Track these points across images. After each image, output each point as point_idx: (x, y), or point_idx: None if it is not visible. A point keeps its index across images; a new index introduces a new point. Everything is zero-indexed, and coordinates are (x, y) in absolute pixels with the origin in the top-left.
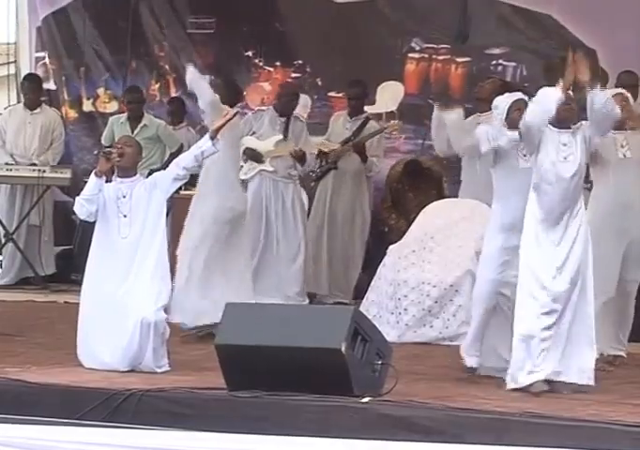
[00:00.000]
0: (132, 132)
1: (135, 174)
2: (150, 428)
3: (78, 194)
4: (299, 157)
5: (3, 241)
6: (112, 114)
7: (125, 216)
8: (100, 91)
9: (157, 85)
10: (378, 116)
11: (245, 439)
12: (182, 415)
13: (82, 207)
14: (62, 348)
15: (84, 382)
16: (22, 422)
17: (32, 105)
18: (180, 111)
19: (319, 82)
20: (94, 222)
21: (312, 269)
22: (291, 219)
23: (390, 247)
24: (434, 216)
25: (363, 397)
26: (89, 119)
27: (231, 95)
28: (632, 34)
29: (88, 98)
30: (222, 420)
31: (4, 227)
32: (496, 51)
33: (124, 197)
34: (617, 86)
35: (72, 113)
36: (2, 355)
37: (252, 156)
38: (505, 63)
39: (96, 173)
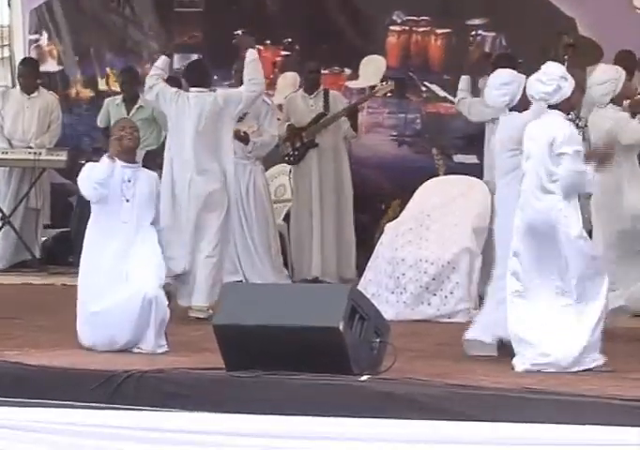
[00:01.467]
0: (128, 113)
1: (136, 161)
2: (150, 409)
3: (76, 176)
4: (240, 138)
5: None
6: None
7: (128, 200)
8: (108, 70)
9: (147, 65)
10: (362, 91)
11: (244, 419)
12: (181, 396)
13: (94, 190)
14: (60, 330)
15: (84, 363)
16: (23, 405)
17: (29, 89)
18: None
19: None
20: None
21: (307, 253)
22: (247, 200)
23: (387, 224)
24: (430, 193)
25: (362, 376)
26: (104, 98)
27: (199, 77)
28: (610, 1)
29: (102, 77)
30: (221, 400)
31: (0, 210)
32: (476, 21)
33: (129, 181)
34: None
35: (87, 93)
36: (0, 338)
37: None
38: (485, 33)
39: (109, 157)
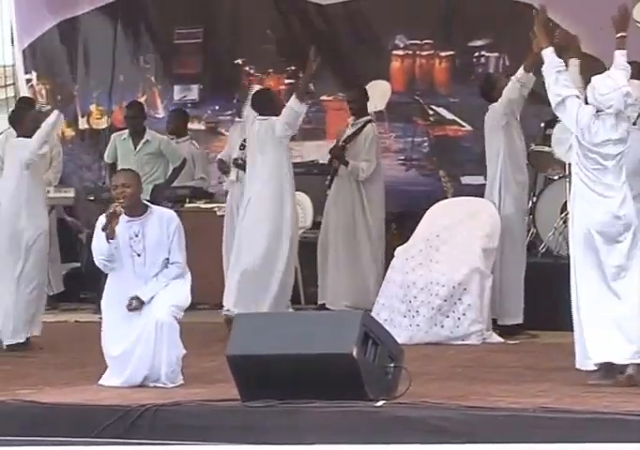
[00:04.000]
0: (135, 148)
1: (145, 211)
2: (167, 443)
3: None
4: (239, 166)
5: None
6: (103, 131)
7: (139, 255)
8: (92, 107)
9: (143, 98)
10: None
11: (262, 449)
12: (197, 428)
13: (105, 267)
14: (74, 367)
15: (99, 399)
16: (39, 443)
17: None
18: (182, 124)
19: (312, 87)
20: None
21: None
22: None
23: (398, 248)
24: (439, 215)
25: (377, 401)
26: (86, 137)
27: (264, 104)
28: (610, 17)
29: (83, 116)
30: (238, 431)
31: None
32: (479, 42)
33: (136, 236)
34: None
35: (69, 132)
36: (14, 377)
37: (219, 166)
38: (487, 54)
39: (108, 237)
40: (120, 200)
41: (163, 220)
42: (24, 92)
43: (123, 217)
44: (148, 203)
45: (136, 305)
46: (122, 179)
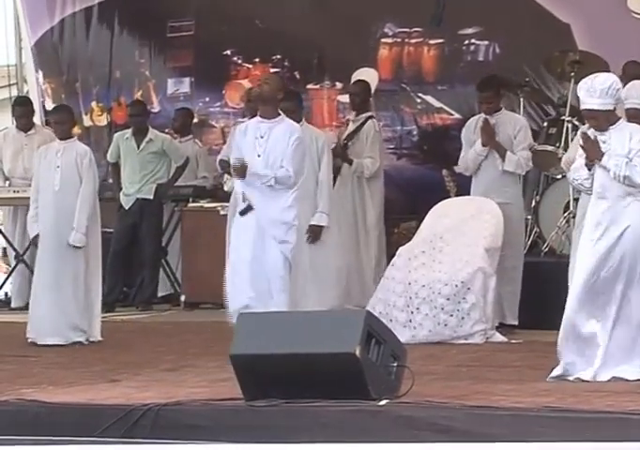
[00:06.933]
0: (138, 147)
1: (277, 116)
2: (169, 442)
3: None
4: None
5: (14, 263)
6: (104, 127)
7: (259, 155)
8: (93, 104)
9: (139, 93)
10: None
11: (265, 448)
12: (200, 428)
13: None
14: (77, 366)
15: (101, 399)
16: (43, 442)
17: (25, 127)
18: (188, 122)
19: (297, 76)
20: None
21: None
22: None
23: (400, 248)
24: (442, 215)
25: (380, 400)
26: (91, 134)
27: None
28: (605, 6)
29: (86, 113)
30: (241, 430)
31: (14, 249)
32: (469, 30)
33: (261, 137)
34: (621, 77)
35: (76, 130)
36: (17, 376)
37: (222, 167)
38: (478, 42)
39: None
40: (256, 88)
41: (288, 129)
42: (33, 90)
43: (256, 119)
44: (282, 113)
45: (241, 169)
46: (264, 77)
